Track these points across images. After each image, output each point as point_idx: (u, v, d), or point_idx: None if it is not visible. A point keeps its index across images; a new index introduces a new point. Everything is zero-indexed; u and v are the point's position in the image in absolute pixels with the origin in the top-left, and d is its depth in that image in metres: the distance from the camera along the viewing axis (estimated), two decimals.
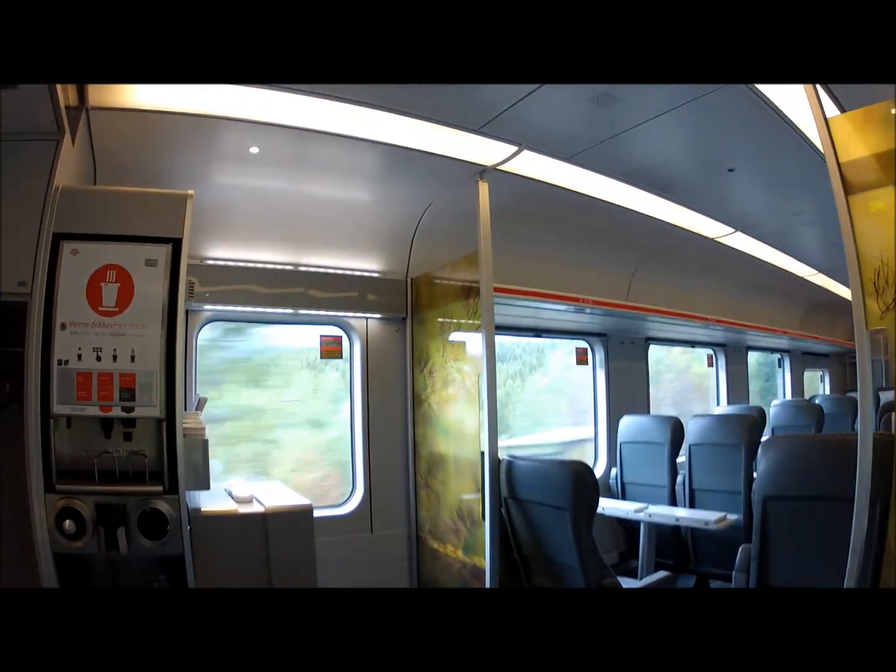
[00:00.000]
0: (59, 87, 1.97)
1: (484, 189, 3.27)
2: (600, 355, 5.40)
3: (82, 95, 2.40)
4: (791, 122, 2.96)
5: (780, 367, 8.50)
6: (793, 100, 2.73)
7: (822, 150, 2.07)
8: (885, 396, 4.76)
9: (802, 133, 3.06)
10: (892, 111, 1.91)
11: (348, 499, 3.86)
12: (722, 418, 4.98)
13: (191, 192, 2.32)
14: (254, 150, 3.01)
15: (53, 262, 2.15)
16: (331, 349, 3.90)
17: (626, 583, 3.14)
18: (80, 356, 2.13)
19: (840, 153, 2.01)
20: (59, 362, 2.12)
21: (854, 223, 1.99)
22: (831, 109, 2.09)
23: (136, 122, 2.62)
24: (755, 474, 3.11)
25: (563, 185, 3.72)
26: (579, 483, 2.85)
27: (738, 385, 7.09)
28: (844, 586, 1.99)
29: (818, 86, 2.05)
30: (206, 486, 2.42)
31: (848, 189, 2.00)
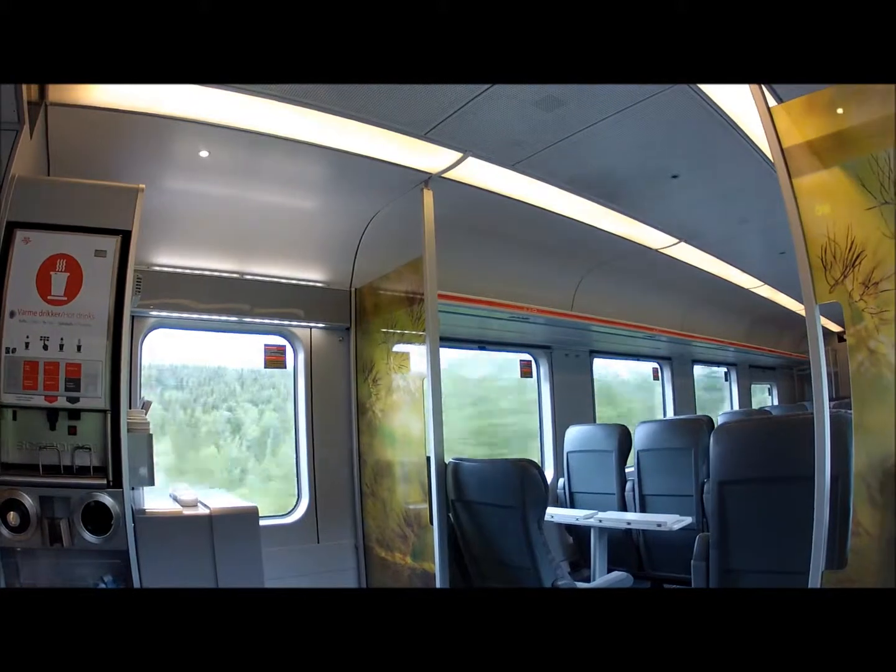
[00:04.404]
0: None
1: (429, 197, 3.50)
2: (545, 368, 5.60)
3: (43, 91, 2.51)
4: (735, 124, 3.09)
5: (726, 380, 8.76)
6: (737, 101, 2.87)
7: (766, 153, 2.23)
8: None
9: (746, 136, 3.21)
10: (831, 98, 2.11)
11: (293, 508, 3.96)
12: (671, 423, 5.11)
13: (142, 185, 2.48)
14: (204, 153, 3.12)
15: (6, 249, 2.27)
16: (275, 358, 4.04)
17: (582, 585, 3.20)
18: (27, 344, 2.26)
19: (783, 139, 2.18)
20: (7, 350, 2.24)
21: (799, 205, 2.15)
22: (771, 100, 2.25)
23: (92, 119, 2.72)
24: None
25: (508, 195, 3.89)
26: (528, 481, 2.97)
27: (684, 398, 7.35)
28: (811, 566, 2.06)
29: None
30: (151, 482, 2.53)
31: (792, 173, 2.17)
